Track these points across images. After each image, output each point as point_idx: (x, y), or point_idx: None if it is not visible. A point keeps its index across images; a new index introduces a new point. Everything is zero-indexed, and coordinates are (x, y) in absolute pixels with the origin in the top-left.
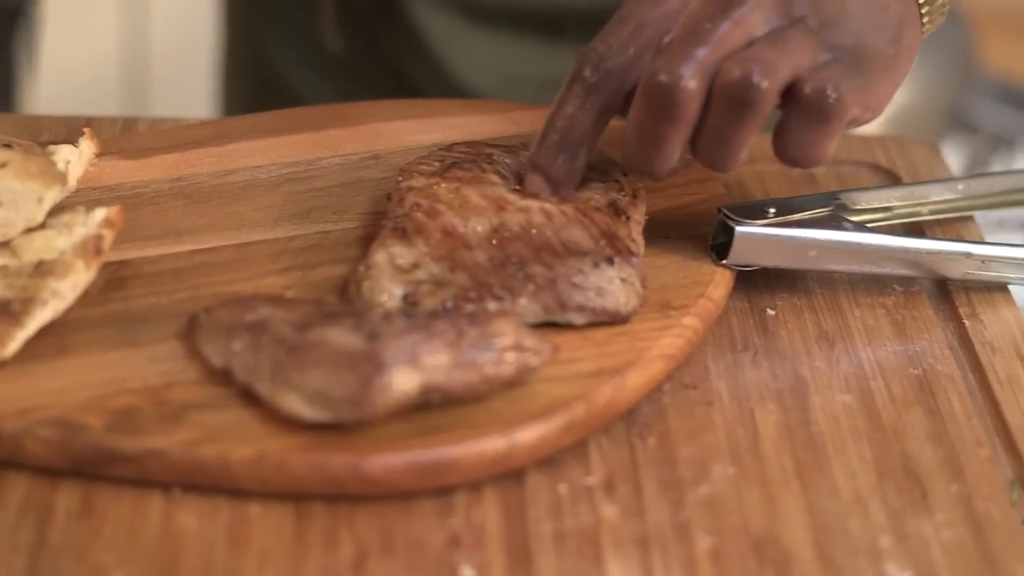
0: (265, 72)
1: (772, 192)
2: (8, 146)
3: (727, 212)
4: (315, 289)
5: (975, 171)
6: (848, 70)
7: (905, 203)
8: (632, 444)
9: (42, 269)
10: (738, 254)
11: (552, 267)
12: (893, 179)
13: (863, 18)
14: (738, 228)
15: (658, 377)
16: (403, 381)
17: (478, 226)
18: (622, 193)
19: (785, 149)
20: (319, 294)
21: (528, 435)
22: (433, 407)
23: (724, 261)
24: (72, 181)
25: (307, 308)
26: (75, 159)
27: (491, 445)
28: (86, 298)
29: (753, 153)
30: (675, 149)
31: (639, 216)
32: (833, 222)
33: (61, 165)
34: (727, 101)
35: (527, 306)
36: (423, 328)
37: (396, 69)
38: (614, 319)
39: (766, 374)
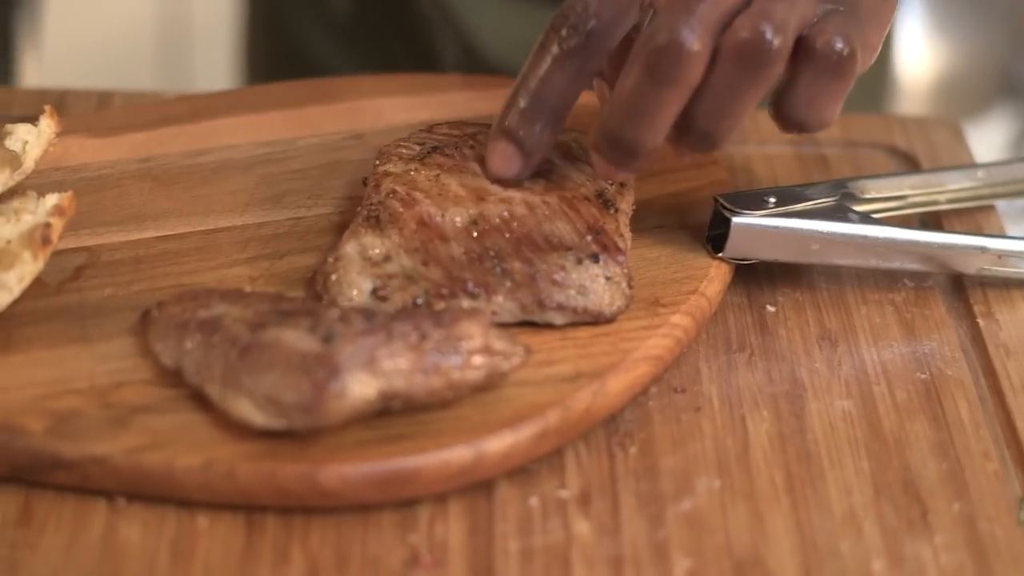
0: (286, 41)
1: (782, 178)
2: None
3: (723, 202)
4: (282, 281)
5: None
6: (848, 18)
7: (920, 191)
8: (612, 453)
9: None
10: (735, 247)
11: (532, 263)
12: (911, 163)
13: None
14: (734, 219)
15: (643, 381)
16: (359, 387)
17: (456, 217)
18: (610, 182)
19: (793, 110)
20: (285, 286)
21: (497, 445)
22: (395, 414)
23: (720, 254)
24: (29, 163)
25: (263, 305)
26: (33, 139)
27: (457, 455)
28: (40, 288)
29: (762, 134)
30: (669, 119)
31: (627, 207)
32: (838, 213)
33: (17, 146)
34: (737, 62)
35: (503, 304)
36: (382, 329)
37: (415, 37)
38: (597, 320)
39: (761, 377)
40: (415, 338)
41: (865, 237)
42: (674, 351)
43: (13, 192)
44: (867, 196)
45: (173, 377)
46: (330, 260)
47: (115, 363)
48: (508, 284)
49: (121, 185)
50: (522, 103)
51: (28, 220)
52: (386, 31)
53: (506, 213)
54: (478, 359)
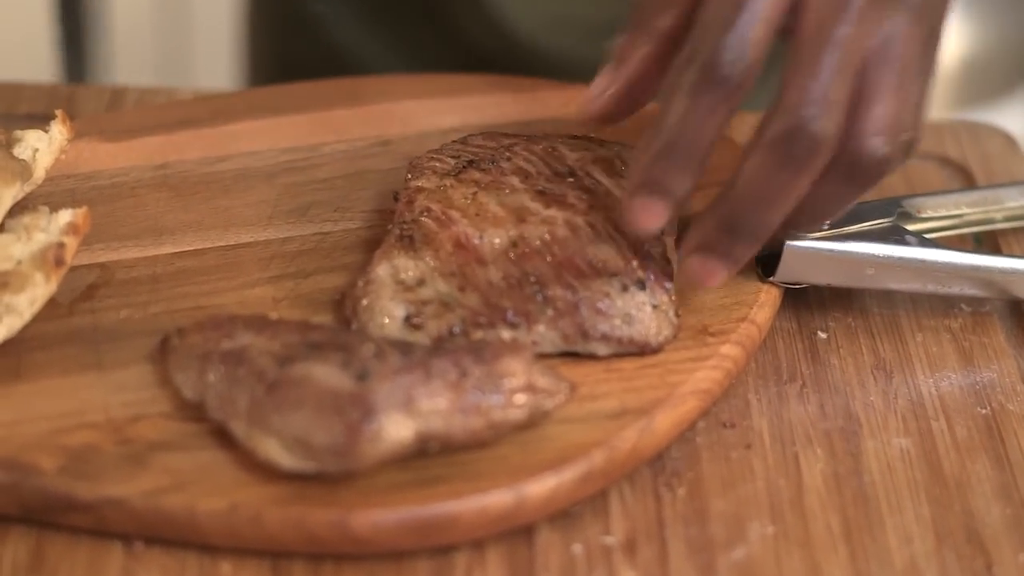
0: (297, 13)
1: None
2: None
3: None
4: (307, 303)
5: None
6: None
7: (977, 209)
8: (659, 495)
9: None
10: (787, 270)
11: (575, 289)
12: (964, 174)
13: None
14: (787, 241)
15: (691, 416)
16: (395, 429)
17: (495, 239)
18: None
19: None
20: (311, 309)
21: (539, 488)
22: (431, 454)
23: (771, 278)
24: (40, 172)
25: (291, 336)
26: (44, 147)
27: (496, 500)
28: (51, 309)
29: None
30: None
31: (672, 229)
32: (894, 235)
33: (27, 154)
34: (856, 176)
35: (544, 334)
36: (420, 367)
37: (435, 8)
38: (643, 351)
39: (814, 410)
40: (455, 376)
41: (925, 262)
42: (723, 384)
43: (23, 206)
44: (923, 215)
45: (194, 411)
46: (360, 284)
47: (132, 394)
48: (550, 312)
49: (136, 195)
50: (673, 152)
51: (40, 239)
52: (405, 4)
53: (548, 235)
54: (521, 397)
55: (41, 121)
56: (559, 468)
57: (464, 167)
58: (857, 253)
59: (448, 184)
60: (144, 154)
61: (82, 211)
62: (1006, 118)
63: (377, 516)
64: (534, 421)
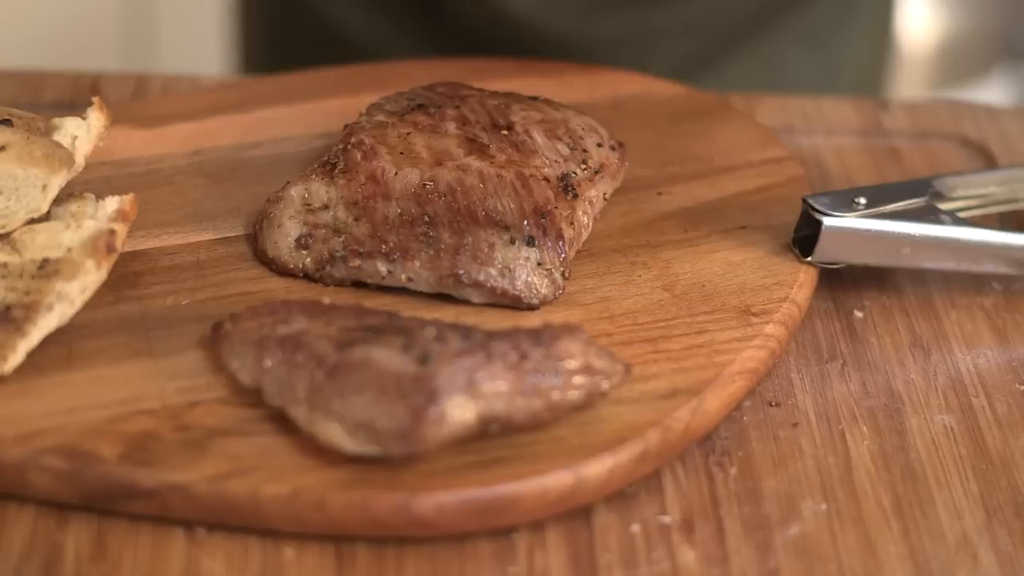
0: None
1: (854, 171)
2: (7, 122)
3: (813, 203)
4: (355, 286)
5: None
6: None
7: (1004, 188)
8: (711, 474)
9: (47, 269)
10: (825, 250)
11: (463, 235)
12: (984, 155)
13: None
14: (826, 221)
15: (739, 396)
16: (459, 412)
17: (408, 177)
18: (583, 167)
19: None
20: (361, 292)
21: (597, 468)
22: (491, 437)
23: (808, 258)
24: (80, 160)
25: (348, 320)
26: (83, 134)
27: (556, 480)
28: (98, 297)
29: (829, 122)
30: None
31: (595, 194)
32: (929, 214)
33: (67, 141)
34: None
35: (419, 272)
36: (481, 349)
37: None
38: (517, 305)
39: (856, 388)
40: (515, 358)
41: (959, 240)
42: (768, 363)
43: (67, 193)
44: (954, 195)
45: (249, 396)
46: (272, 198)
47: (186, 380)
48: (430, 252)
49: (173, 182)
50: None
51: (89, 226)
52: None
53: (455, 181)
54: (579, 379)
55: (67, 109)
56: (616, 448)
57: (412, 109)
58: (894, 232)
59: (390, 122)
60: (177, 141)
61: (129, 198)
62: (982, 97)
63: (440, 498)
64: (591, 402)
